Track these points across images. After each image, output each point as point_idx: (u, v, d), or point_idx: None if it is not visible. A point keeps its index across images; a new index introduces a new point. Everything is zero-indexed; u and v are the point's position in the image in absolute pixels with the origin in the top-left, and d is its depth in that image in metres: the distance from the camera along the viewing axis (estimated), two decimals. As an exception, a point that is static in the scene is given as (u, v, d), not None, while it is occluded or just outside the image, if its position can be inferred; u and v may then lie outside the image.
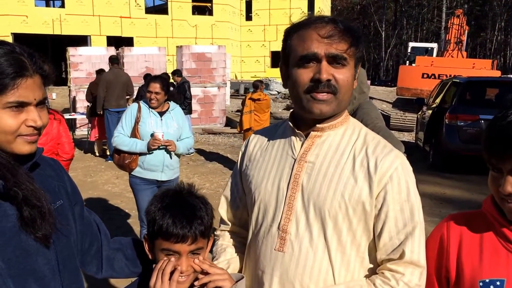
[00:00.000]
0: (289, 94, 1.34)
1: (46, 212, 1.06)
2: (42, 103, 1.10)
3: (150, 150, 3.75)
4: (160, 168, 3.86)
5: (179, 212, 1.22)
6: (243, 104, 8.14)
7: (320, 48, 1.20)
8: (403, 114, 14.07)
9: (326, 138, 1.29)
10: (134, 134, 3.84)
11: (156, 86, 3.77)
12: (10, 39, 21.42)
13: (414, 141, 11.42)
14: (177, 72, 9.57)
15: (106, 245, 1.37)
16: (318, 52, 1.20)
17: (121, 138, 3.84)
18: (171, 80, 8.94)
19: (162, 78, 3.97)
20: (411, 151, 10.80)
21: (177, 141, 3.92)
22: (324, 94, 1.21)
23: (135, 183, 3.91)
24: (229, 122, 13.64)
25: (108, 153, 8.86)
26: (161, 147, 3.78)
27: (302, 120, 1.31)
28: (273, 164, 1.34)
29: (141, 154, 3.79)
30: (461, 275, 1.18)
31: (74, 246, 1.23)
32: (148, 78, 4.40)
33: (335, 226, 1.22)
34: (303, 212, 1.25)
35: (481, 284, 1.12)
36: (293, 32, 1.26)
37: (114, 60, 8.80)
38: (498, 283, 1.09)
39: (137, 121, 3.84)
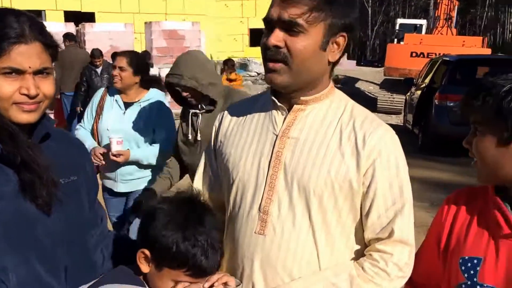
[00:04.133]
0: None
1: (45, 178, 1.10)
2: (41, 72, 1.12)
3: None
4: (113, 177, 3.20)
5: (206, 240, 1.18)
6: None
7: (275, 12, 1.17)
8: (391, 95, 14.13)
9: (310, 112, 1.26)
10: (93, 131, 3.25)
11: (121, 60, 3.08)
12: None
13: (402, 124, 11.52)
14: (67, 37, 8.42)
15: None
16: (273, 16, 1.17)
17: (80, 133, 3.26)
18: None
19: (133, 52, 3.37)
20: (399, 134, 10.91)
21: (142, 145, 3.11)
22: (275, 63, 1.18)
23: (103, 191, 3.28)
24: (205, 106, 13.45)
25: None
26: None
27: (283, 93, 1.27)
28: (252, 141, 1.31)
29: None
30: (448, 249, 1.24)
31: (85, 224, 1.27)
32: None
33: (320, 205, 1.22)
34: (286, 192, 1.23)
35: (460, 261, 1.17)
36: None
37: (70, 37, 8.46)
38: (475, 261, 1.15)
39: (97, 113, 3.22)
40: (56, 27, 12.47)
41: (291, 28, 1.16)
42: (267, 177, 1.26)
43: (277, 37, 1.17)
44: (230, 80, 7.82)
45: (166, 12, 25.79)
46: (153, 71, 9.44)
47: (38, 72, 1.12)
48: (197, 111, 2.65)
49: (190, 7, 26.51)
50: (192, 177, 2.43)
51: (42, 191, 1.10)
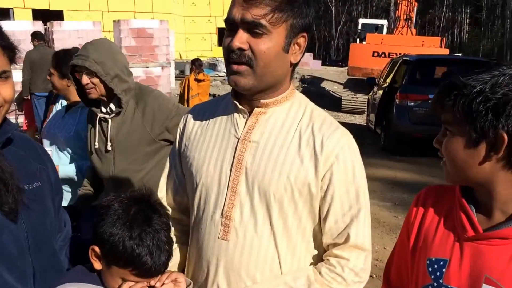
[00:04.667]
0: None
1: (10, 185, 1.08)
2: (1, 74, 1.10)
3: None
4: None
5: (152, 240, 1.18)
6: (185, 86, 7.96)
7: (238, 13, 1.15)
8: (354, 95, 14.39)
9: (271, 115, 1.26)
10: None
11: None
12: None
13: (365, 124, 11.69)
14: (36, 36, 8.24)
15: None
16: (235, 17, 1.15)
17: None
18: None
19: (57, 53, 3.01)
20: (362, 134, 11.25)
21: (66, 155, 2.72)
22: (238, 65, 1.17)
23: None
24: (174, 105, 13.47)
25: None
26: None
27: (244, 96, 1.26)
28: (215, 144, 1.30)
29: None
30: (416, 248, 1.22)
31: (51, 229, 1.25)
32: None
33: (281, 211, 1.22)
34: (248, 197, 1.23)
35: (428, 262, 1.16)
36: None
37: (39, 36, 8.25)
38: (441, 262, 1.14)
39: (47, 116, 3.01)
40: (24, 25, 12.31)
41: (254, 29, 1.14)
42: (229, 181, 1.25)
43: (241, 39, 1.15)
44: (198, 81, 7.85)
45: (134, 10, 25.57)
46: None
47: None
48: (106, 115, 2.28)
49: (159, 5, 26.29)
50: (109, 190, 2.27)
51: (7, 198, 1.07)
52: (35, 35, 8.24)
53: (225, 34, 1.20)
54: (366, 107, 12.35)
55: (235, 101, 1.28)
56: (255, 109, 1.26)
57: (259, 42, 1.15)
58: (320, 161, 1.21)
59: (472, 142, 1.06)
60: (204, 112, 1.38)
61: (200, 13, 29.04)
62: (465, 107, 1.05)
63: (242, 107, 1.27)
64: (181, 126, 1.42)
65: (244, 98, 1.27)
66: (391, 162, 7.99)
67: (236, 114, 1.29)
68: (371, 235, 1.30)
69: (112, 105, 2.29)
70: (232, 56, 1.16)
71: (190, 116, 1.41)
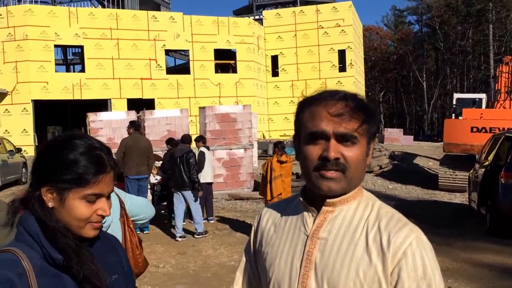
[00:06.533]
0: (300, 169, 1.42)
1: None
2: (110, 194, 1.34)
3: None
4: None
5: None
6: (267, 168, 8.11)
7: (329, 126, 1.29)
8: (453, 172, 13.88)
9: (338, 213, 1.36)
10: None
11: None
12: (30, 107, 22.82)
13: (467, 203, 11.16)
14: (133, 125, 9.33)
15: None
16: (327, 130, 1.29)
17: None
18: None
19: None
20: (464, 214, 10.70)
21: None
22: (333, 172, 1.29)
23: None
24: (258, 186, 13.71)
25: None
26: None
27: (314, 195, 1.37)
28: (286, 241, 1.41)
29: None
30: None
31: None
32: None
33: None
34: None
35: None
36: (304, 106, 1.37)
37: (136, 126, 9.15)
38: None
39: None
40: (120, 115, 13.77)
41: (346, 140, 1.29)
42: (299, 276, 1.34)
43: (336, 150, 1.29)
44: (281, 162, 8.00)
45: (219, 95, 27.24)
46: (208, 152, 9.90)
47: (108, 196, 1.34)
48: None
49: (242, 90, 27.76)
50: None
51: None
52: (133, 125, 9.14)
53: (307, 143, 1.33)
54: (466, 186, 11.85)
55: (303, 201, 1.40)
56: (323, 207, 1.36)
57: (350, 150, 1.29)
58: (387, 257, 1.27)
59: None
60: (276, 210, 1.52)
61: (283, 95, 30.33)
62: None
63: (311, 207, 1.38)
64: (255, 223, 1.56)
65: (314, 197, 1.38)
66: (499, 246, 7.48)
67: (305, 213, 1.40)
68: None
69: None
70: (327, 165, 1.29)
71: (264, 213, 1.55)
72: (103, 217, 1.30)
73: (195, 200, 8.55)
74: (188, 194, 8.43)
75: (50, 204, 1.28)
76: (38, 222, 1.26)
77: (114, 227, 3.10)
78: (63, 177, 1.26)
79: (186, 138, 8.93)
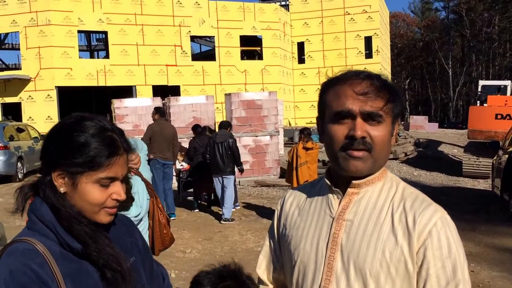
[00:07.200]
0: (325, 150, 1.42)
1: (126, 274, 1.22)
2: (124, 177, 1.28)
3: None
4: None
5: None
6: (293, 154, 8.14)
7: (355, 105, 1.28)
8: (477, 159, 13.84)
9: (363, 195, 1.36)
10: None
11: None
12: (54, 93, 22.44)
13: (490, 189, 11.16)
14: (158, 111, 9.44)
15: None
16: (353, 109, 1.29)
17: None
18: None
19: None
20: (487, 200, 10.74)
21: None
22: (360, 151, 1.29)
23: None
24: (284, 173, 13.82)
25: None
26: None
27: (339, 177, 1.38)
28: (311, 223, 1.41)
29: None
30: None
31: None
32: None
33: (377, 287, 1.28)
34: (344, 273, 1.31)
35: None
36: (329, 87, 1.37)
37: (161, 112, 9.22)
38: None
39: None
40: (145, 101, 13.73)
41: (372, 119, 1.29)
42: (325, 258, 1.34)
43: (362, 129, 1.28)
44: (306, 149, 8.00)
45: (245, 82, 26.98)
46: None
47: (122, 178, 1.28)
48: None
49: (268, 77, 27.43)
50: None
51: (124, 286, 1.22)
52: (158, 111, 9.22)
53: (332, 123, 1.33)
54: (490, 172, 11.80)
55: (329, 183, 1.41)
56: (348, 189, 1.37)
57: (376, 129, 1.29)
58: (413, 237, 1.28)
59: None
60: (300, 194, 1.52)
61: (309, 82, 30.05)
62: None
63: (336, 189, 1.39)
64: (278, 207, 1.56)
65: (339, 180, 1.39)
66: (523, 231, 7.51)
67: (330, 195, 1.40)
68: None
69: None
70: (354, 144, 1.29)
71: (288, 196, 1.55)
72: (118, 201, 1.25)
73: (233, 186, 8.76)
74: (227, 179, 8.63)
75: (62, 190, 1.22)
76: (51, 209, 1.21)
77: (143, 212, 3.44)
78: (74, 161, 1.19)
79: (225, 124, 9.07)
